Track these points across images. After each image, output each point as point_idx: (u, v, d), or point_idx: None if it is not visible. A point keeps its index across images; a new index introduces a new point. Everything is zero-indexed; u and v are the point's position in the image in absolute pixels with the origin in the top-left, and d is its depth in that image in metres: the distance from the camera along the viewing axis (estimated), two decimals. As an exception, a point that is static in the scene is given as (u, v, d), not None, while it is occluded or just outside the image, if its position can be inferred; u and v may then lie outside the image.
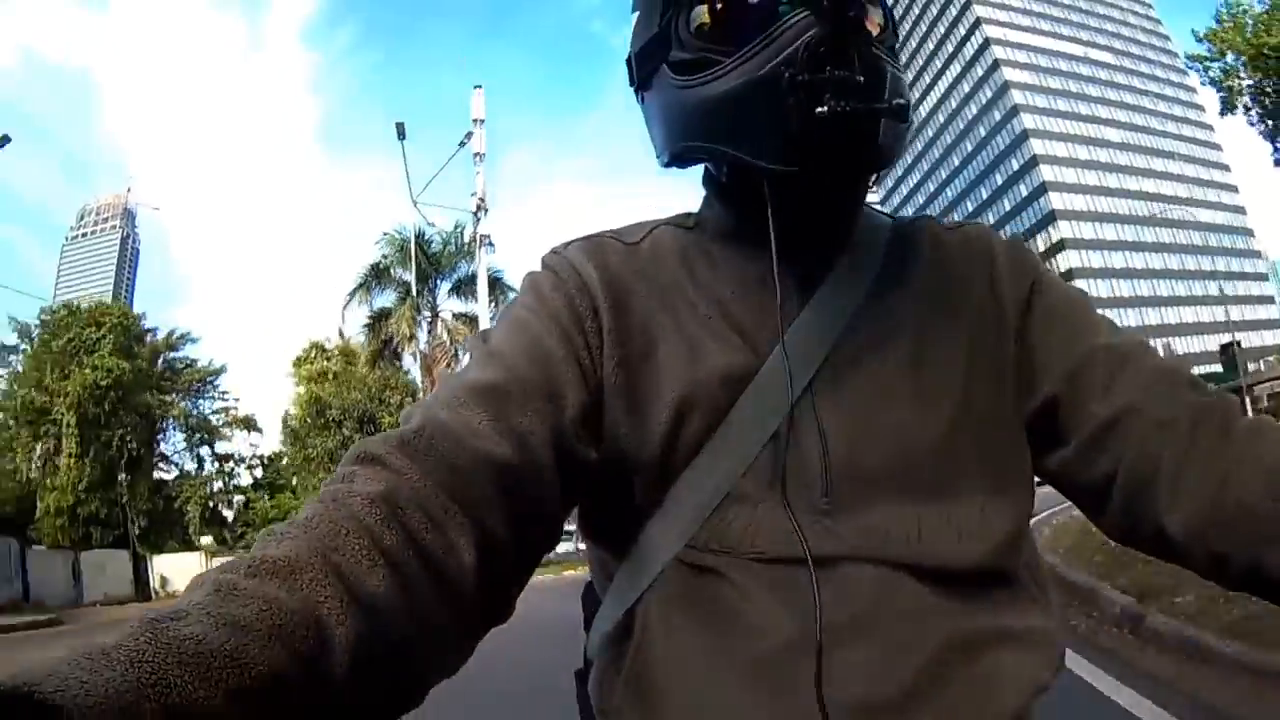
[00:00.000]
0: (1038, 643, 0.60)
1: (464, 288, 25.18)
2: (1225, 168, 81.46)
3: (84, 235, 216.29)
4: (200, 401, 31.61)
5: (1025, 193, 73.50)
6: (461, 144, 20.44)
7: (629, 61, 0.67)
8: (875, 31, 0.60)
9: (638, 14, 0.66)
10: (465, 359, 0.64)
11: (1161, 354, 0.66)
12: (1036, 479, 0.66)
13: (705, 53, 0.60)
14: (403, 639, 0.46)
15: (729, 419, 0.61)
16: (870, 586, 0.57)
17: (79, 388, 26.20)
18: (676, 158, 0.65)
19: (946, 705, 0.55)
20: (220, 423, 31.87)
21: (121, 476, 27.26)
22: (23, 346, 29.07)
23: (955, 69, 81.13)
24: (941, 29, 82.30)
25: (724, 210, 0.68)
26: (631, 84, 0.68)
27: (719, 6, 0.60)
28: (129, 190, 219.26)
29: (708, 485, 0.60)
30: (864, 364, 0.62)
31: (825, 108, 0.53)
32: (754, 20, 0.58)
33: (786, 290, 0.61)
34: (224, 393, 32.71)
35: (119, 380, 26.68)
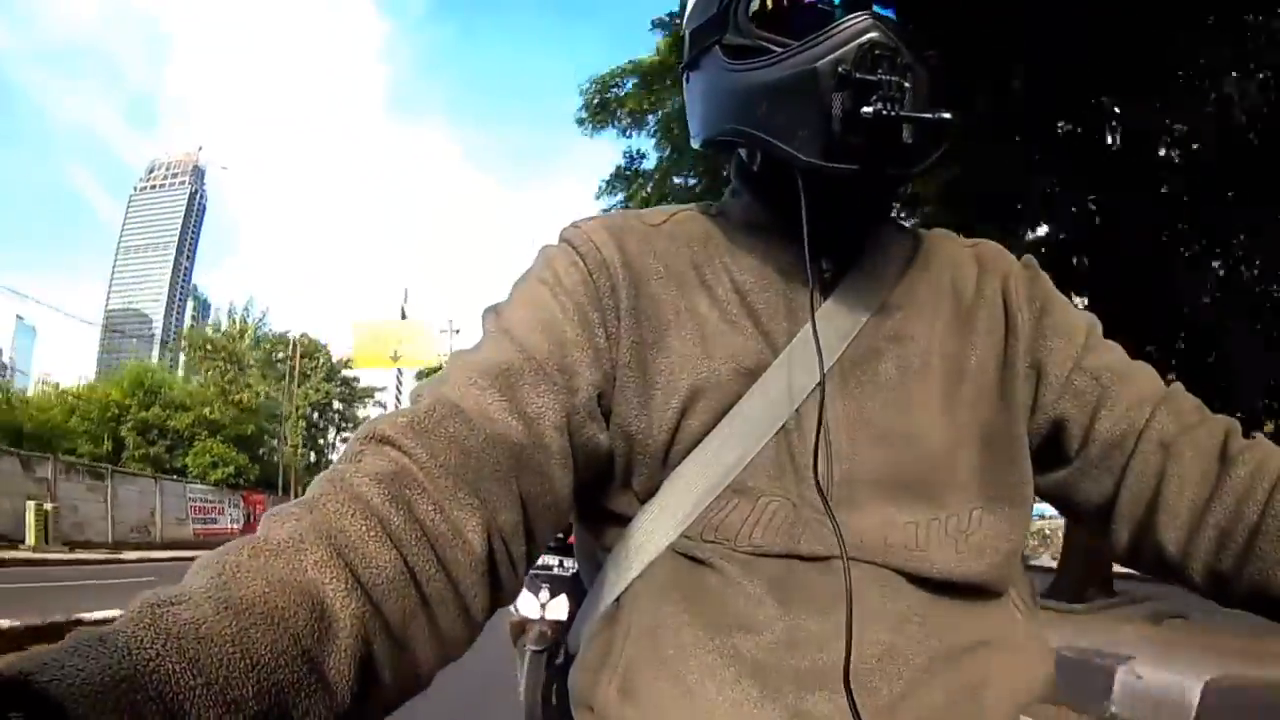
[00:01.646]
0: (1028, 657, 0.60)
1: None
2: None
3: (152, 188, 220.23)
4: (361, 408, 44.78)
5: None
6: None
7: (681, 39, 0.67)
8: (930, 45, 0.61)
9: None
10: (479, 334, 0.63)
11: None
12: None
13: (760, 40, 0.60)
14: (407, 622, 0.45)
15: (736, 409, 0.59)
16: (866, 590, 0.56)
17: (305, 402, 38.93)
18: (714, 140, 0.66)
19: (936, 713, 0.55)
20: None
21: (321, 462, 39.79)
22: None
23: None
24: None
25: (752, 200, 0.67)
26: (680, 60, 0.69)
27: None
28: (200, 149, 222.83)
29: (709, 475, 0.59)
30: (875, 368, 0.62)
31: (871, 109, 0.53)
32: (813, 16, 0.59)
33: (809, 288, 0.61)
34: (381, 403, 45.03)
35: (329, 398, 40.97)
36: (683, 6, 0.72)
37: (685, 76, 0.69)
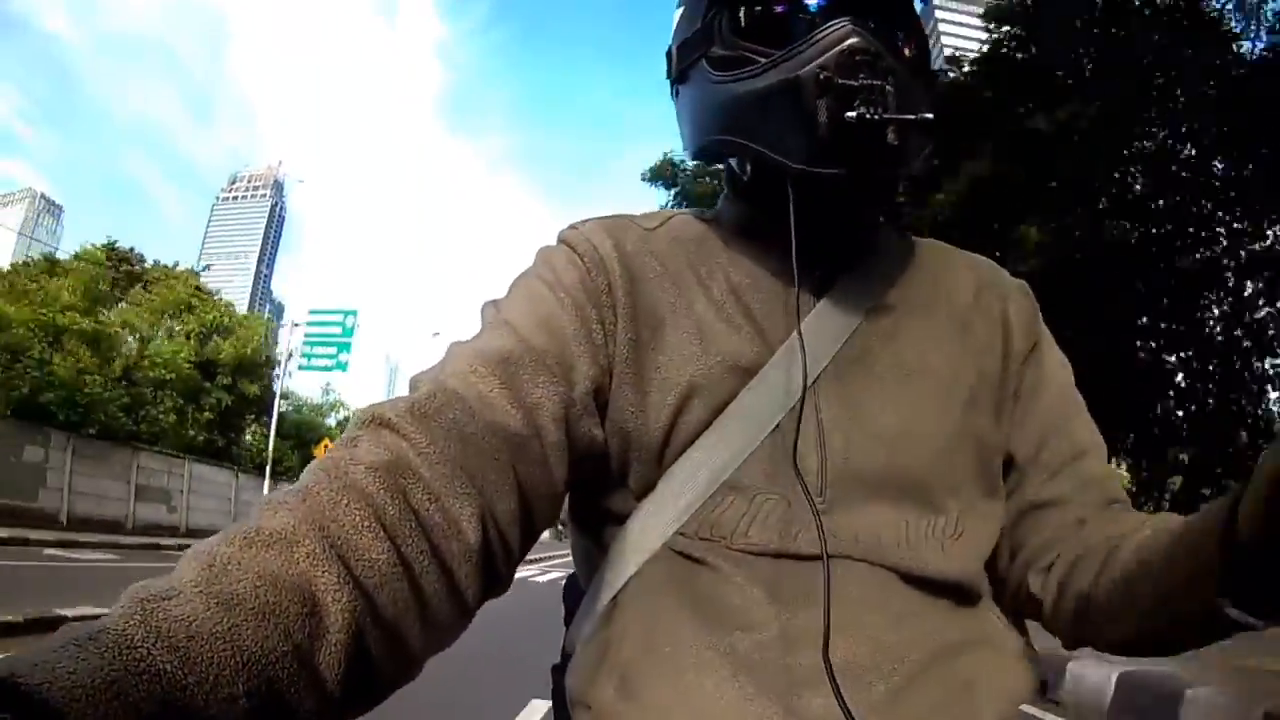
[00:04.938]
0: (1016, 656, 0.60)
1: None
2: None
3: (234, 199, 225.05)
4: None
5: None
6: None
7: (669, 54, 0.68)
8: (910, 49, 0.63)
9: (682, 9, 0.67)
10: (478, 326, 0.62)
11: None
12: None
13: (745, 51, 0.61)
14: (400, 613, 0.45)
15: (731, 407, 0.60)
16: (860, 587, 0.56)
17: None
18: (704, 150, 0.66)
19: (927, 710, 0.54)
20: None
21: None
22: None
23: None
24: None
25: (744, 207, 0.68)
26: (668, 75, 0.69)
27: (761, 10, 0.62)
28: (280, 163, 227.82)
29: (704, 472, 0.59)
30: (869, 369, 0.62)
31: (855, 114, 0.54)
32: (795, 26, 0.60)
33: (804, 288, 0.61)
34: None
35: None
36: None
37: (674, 91, 0.69)
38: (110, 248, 34.81)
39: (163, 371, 19.02)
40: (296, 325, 22.77)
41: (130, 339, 19.56)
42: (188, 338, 20.95)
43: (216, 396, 20.93)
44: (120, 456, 16.72)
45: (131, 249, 36.47)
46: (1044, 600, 0.61)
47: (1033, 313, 0.69)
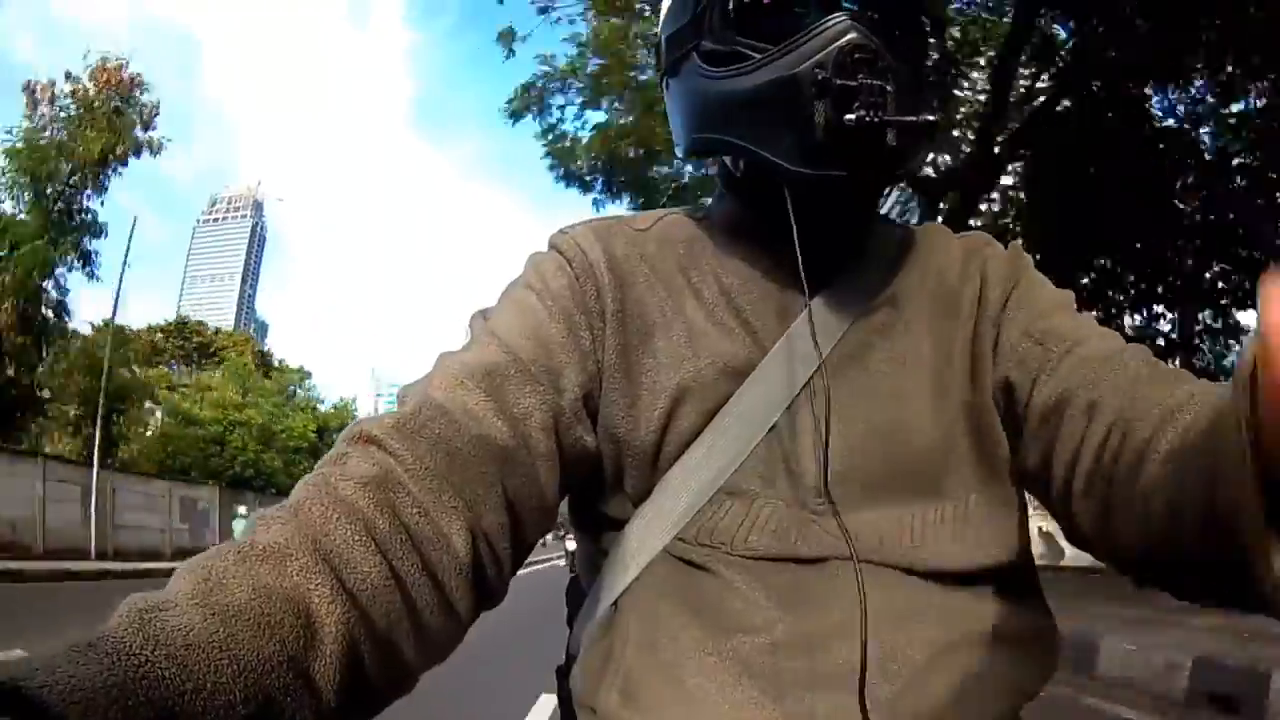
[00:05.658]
0: (1031, 644, 0.58)
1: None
2: None
3: (215, 220, 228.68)
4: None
5: None
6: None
7: (657, 45, 0.66)
8: (910, 44, 0.60)
9: None
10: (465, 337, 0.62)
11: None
12: None
13: (737, 46, 0.59)
14: (392, 626, 0.45)
15: (725, 410, 0.59)
16: (864, 589, 0.55)
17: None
18: (695, 148, 0.65)
19: (937, 709, 0.54)
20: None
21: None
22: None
23: None
24: None
25: (737, 205, 0.67)
26: (657, 68, 0.67)
27: (754, 1, 0.60)
28: (259, 183, 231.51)
29: (700, 477, 0.58)
30: (865, 366, 0.61)
31: (854, 116, 0.52)
32: (790, 20, 0.57)
33: (796, 288, 0.60)
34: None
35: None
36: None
37: (664, 84, 0.68)
38: (182, 323, 43.10)
39: (298, 440, 26.80)
40: (379, 395, 30.42)
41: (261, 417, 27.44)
42: (304, 412, 28.72)
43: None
44: (283, 504, 24.92)
45: (201, 322, 44.94)
46: (1085, 524, 0.54)
47: (1013, 263, 0.65)
